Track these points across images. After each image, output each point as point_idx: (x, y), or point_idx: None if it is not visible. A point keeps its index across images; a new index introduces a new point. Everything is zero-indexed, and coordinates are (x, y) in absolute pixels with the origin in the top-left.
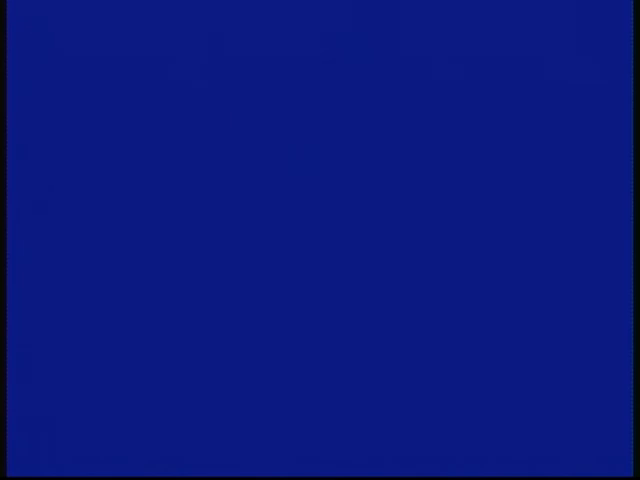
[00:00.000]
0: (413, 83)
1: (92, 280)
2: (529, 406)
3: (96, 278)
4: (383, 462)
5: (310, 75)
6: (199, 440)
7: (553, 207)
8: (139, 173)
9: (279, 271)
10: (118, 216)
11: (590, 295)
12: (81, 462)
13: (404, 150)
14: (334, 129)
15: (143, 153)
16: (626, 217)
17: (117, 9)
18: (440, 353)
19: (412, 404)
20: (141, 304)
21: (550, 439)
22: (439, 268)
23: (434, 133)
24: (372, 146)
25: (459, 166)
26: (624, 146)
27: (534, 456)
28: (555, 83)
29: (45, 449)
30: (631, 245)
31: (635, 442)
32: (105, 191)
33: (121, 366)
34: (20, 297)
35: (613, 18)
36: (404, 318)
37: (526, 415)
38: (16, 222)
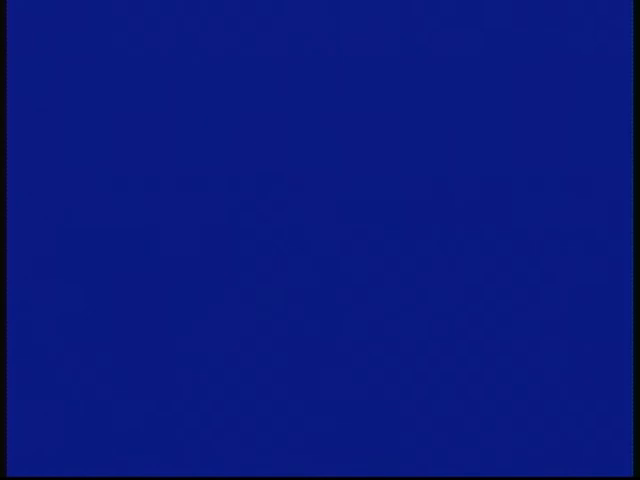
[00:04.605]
0: (412, 84)
1: (92, 280)
2: (529, 407)
3: (96, 277)
4: (383, 462)
5: (308, 75)
6: (199, 440)
7: (553, 207)
8: (138, 173)
9: (278, 271)
10: (118, 215)
11: (590, 295)
12: (81, 462)
13: (404, 150)
14: (331, 129)
15: (142, 153)
16: (626, 217)
17: (117, 9)
18: (440, 354)
19: (412, 405)
20: (141, 304)
21: (551, 439)
22: (438, 268)
23: (433, 134)
24: (372, 145)
25: (459, 165)
26: (624, 146)
27: (534, 456)
28: (555, 83)
29: (45, 449)
30: (631, 245)
31: (635, 442)
32: (105, 191)
33: (121, 367)
34: (20, 297)
35: (613, 18)
36: (404, 318)
37: (526, 415)
38: (16, 222)
